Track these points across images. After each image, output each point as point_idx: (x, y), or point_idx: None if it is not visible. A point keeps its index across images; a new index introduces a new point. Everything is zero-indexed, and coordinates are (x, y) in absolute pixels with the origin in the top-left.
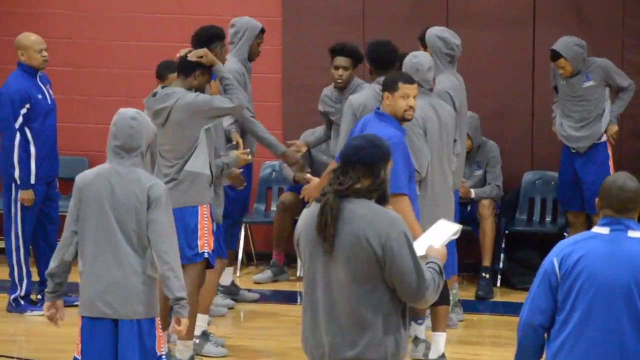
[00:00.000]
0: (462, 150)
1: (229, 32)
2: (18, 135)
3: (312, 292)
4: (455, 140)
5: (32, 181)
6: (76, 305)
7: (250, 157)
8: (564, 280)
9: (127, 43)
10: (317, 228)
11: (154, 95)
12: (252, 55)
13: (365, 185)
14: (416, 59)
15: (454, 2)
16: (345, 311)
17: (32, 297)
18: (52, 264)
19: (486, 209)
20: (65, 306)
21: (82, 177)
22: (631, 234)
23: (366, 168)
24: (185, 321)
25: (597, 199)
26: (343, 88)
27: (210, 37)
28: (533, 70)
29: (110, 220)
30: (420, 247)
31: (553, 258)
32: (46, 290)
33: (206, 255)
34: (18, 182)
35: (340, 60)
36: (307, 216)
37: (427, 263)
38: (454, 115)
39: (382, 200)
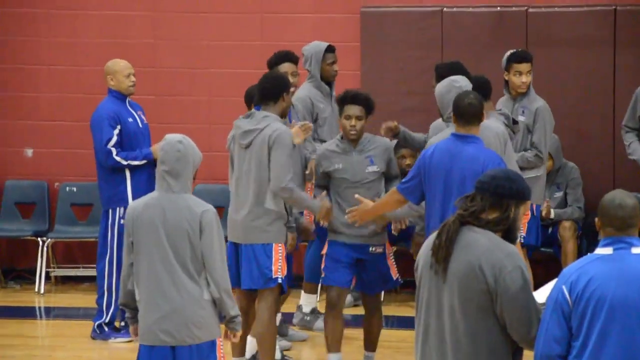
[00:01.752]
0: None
1: (302, 61)
2: (115, 150)
3: (425, 317)
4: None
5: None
6: None
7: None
8: (575, 307)
9: (210, 71)
10: (433, 249)
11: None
12: (326, 76)
13: (492, 217)
14: (458, 84)
15: (533, 25)
16: (453, 342)
17: (116, 324)
18: (120, 295)
19: (567, 231)
20: None
21: (132, 208)
22: (635, 250)
23: (495, 199)
24: (239, 334)
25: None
26: (356, 140)
27: (270, 62)
28: (614, 91)
29: (165, 248)
30: (541, 295)
31: (562, 286)
32: (127, 317)
33: (279, 280)
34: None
35: (354, 110)
36: (430, 240)
37: (544, 308)
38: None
39: (508, 239)
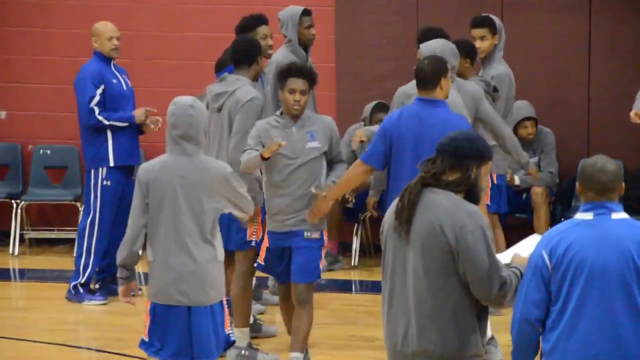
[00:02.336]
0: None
1: (279, 27)
2: (96, 109)
3: (391, 280)
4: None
5: (111, 164)
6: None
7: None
8: (555, 271)
9: (184, 34)
10: (395, 212)
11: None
12: (303, 40)
13: (452, 178)
14: (426, 48)
15: None
16: (417, 300)
17: (91, 286)
18: (122, 255)
19: (540, 197)
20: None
21: (146, 171)
22: (615, 215)
23: (455, 160)
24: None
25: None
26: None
27: (242, 27)
28: (589, 55)
29: (182, 210)
30: (506, 256)
31: (542, 250)
32: (119, 276)
33: (253, 243)
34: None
35: (298, 83)
36: (394, 203)
37: (509, 268)
38: (479, 90)
39: (470, 199)
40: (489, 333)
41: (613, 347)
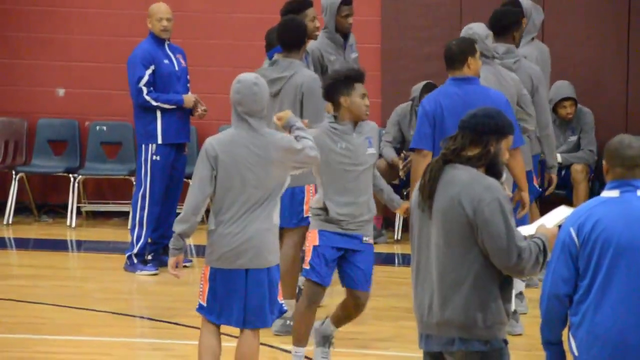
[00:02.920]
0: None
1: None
2: (145, 89)
3: (417, 253)
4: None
5: (160, 141)
6: (185, 266)
7: None
8: (583, 248)
9: (234, 15)
10: (419, 188)
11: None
12: (340, 28)
13: (472, 153)
14: (471, 30)
15: None
16: (440, 272)
17: (145, 257)
18: (184, 226)
19: (579, 174)
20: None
21: (212, 145)
22: None
23: (474, 136)
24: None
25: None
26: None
27: (292, 10)
28: (628, 39)
29: (246, 181)
30: (531, 228)
31: (569, 228)
32: (174, 246)
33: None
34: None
35: (364, 88)
36: (420, 181)
37: (533, 238)
38: (518, 81)
39: (492, 173)
40: (512, 306)
41: (639, 321)
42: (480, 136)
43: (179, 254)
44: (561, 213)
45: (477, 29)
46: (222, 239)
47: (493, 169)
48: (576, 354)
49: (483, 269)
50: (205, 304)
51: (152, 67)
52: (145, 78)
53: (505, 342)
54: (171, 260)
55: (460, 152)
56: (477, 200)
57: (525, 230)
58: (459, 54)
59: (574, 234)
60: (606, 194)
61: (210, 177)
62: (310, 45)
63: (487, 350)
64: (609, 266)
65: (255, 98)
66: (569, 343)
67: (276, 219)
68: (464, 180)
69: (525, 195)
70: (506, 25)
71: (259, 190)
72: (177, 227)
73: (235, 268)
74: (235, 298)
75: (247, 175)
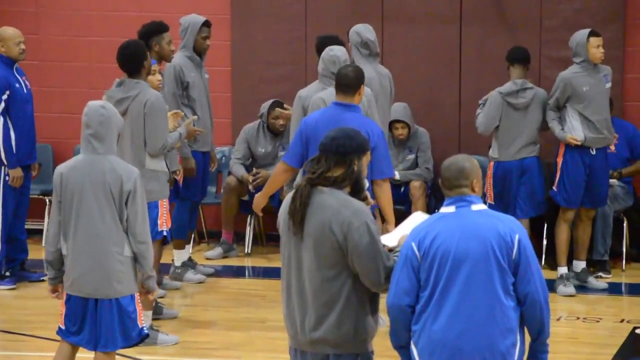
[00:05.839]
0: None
1: (179, 30)
2: (1, 119)
3: (287, 274)
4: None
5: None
6: (42, 280)
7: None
8: (423, 260)
9: (90, 39)
10: (289, 212)
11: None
12: (198, 49)
13: (337, 174)
14: (332, 52)
15: (388, 2)
16: (313, 293)
17: (3, 272)
18: (49, 253)
19: (417, 190)
20: (32, 281)
21: (59, 172)
22: (475, 207)
23: (338, 157)
24: (156, 293)
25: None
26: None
27: (149, 32)
28: (460, 64)
29: (91, 207)
30: (393, 238)
31: (411, 242)
32: (49, 277)
33: (165, 233)
34: (5, 162)
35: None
36: (286, 202)
37: (395, 253)
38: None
39: (356, 189)
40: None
41: (472, 326)
42: (343, 157)
43: (56, 283)
44: (418, 219)
45: (337, 52)
46: (70, 264)
47: (356, 186)
48: None
49: (354, 288)
50: (63, 327)
51: (8, 92)
52: (2, 104)
53: (372, 352)
54: (50, 288)
55: (325, 174)
56: (347, 225)
57: (387, 240)
58: (355, 80)
59: (415, 248)
60: (444, 209)
61: (58, 203)
62: (172, 61)
63: None
64: (447, 277)
65: (101, 120)
66: (411, 352)
67: (128, 250)
68: (332, 205)
69: (391, 229)
70: None
71: (101, 216)
72: (46, 255)
73: (85, 297)
74: (89, 326)
75: (88, 201)
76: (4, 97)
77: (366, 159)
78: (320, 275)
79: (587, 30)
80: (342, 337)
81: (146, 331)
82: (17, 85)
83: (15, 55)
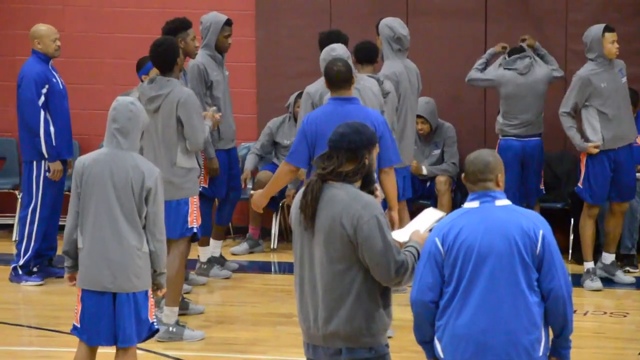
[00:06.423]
0: (409, 131)
1: (200, 29)
2: (42, 112)
3: (300, 268)
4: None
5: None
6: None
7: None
8: (447, 256)
9: (115, 35)
10: (300, 207)
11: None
12: (220, 48)
13: (348, 169)
14: (334, 52)
15: None
16: (324, 288)
17: (30, 268)
18: (66, 245)
19: (443, 185)
20: (59, 277)
21: (81, 163)
22: (498, 202)
23: (350, 153)
24: (164, 290)
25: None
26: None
27: (174, 28)
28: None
29: (110, 201)
30: (405, 233)
31: (434, 238)
32: (66, 265)
33: (195, 230)
34: (46, 155)
35: None
36: (298, 197)
37: (407, 247)
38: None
39: (367, 182)
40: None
41: (497, 322)
42: (354, 153)
43: (72, 271)
44: (430, 215)
45: (339, 51)
46: (86, 258)
47: (367, 178)
48: (442, 356)
49: (365, 282)
50: (78, 325)
51: (47, 86)
52: (42, 98)
53: (387, 345)
54: (67, 276)
55: (337, 169)
56: (357, 219)
57: (399, 235)
58: (349, 74)
59: (439, 243)
60: (468, 205)
61: (77, 195)
62: (194, 61)
63: (372, 356)
64: (472, 272)
65: (130, 116)
66: (435, 347)
67: (146, 246)
68: (343, 199)
69: (395, 215)
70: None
71: (121, 211)
72: (63, 247)
73: (100, 291)
74: (104, 321)
75: (108, 195)
76: (44, 90)
77: (375, 151)
78: (331, 269)
79: (601, 26)
80: (354, 331)
81: (156, 326)
82: (54, 80)
83: (51, 52)
